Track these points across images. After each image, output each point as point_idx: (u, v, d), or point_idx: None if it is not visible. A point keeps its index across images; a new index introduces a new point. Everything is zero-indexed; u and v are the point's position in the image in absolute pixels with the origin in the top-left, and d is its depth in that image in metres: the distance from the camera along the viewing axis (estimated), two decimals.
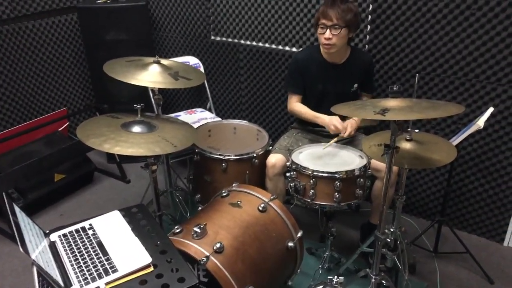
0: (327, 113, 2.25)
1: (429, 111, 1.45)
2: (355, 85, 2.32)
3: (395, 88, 1.55)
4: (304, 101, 2.41)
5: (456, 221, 2.64)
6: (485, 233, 2.58)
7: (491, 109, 2.04)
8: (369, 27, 2.48)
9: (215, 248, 1.63)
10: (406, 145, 1.80)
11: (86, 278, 1.29)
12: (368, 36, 2.51)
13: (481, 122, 1.96)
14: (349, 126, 2.24)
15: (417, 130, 1.93)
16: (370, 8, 2.44)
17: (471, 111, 2.36)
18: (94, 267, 1.33)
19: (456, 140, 2.01)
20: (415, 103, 1.53)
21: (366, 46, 2.53)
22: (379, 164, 2.09)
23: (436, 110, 1.48)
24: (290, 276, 2.02)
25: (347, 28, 2.14)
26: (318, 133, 2.45)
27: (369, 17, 2.46)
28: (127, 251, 1.39)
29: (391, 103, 1.53)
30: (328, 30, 2.13)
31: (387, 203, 1.72)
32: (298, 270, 2.04)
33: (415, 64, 2.42)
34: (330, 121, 2.24)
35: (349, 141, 2.34)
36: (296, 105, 2.41)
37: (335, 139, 2.25)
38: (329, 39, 2.14)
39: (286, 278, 2.01)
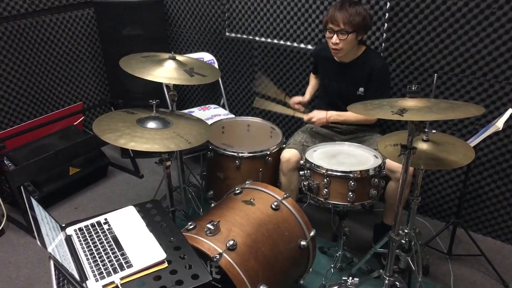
0: (329, 109, 2.30)
1: (448, 112, 1.43)
2: (361, 89, 2.26)
3: (413, 87, 1.52)
4: (320, 94, 2.53)
5: (471, 223, 2.60)
6: (500, 236, 2.54)
7: (510, 110, 2.00)
8: (386, 25, 2.45)
9: (228, 245, 1.63)
10: (422, 146, 1.78)
11: (102, 273, 1.30)
12: (385, 34, 2.48)
13: (500, 123, 1.92)
14: (315, 115, 2.30)
15: (434, 131, 1.90)
16: (387, 6, 2.41)
17: (489, 112, 2.32)
18: (109, 261, 1.34)
19: (474, 141, 1.97)
20: (434, 104, 1.51)
21: (383, 44, 2.50)
22: (394, 165, 2.07)
23: (455, 111, 1.45)
24: (302, 275, 2.02)
25: (354, 32, 2.10)
26: (332, 129, 2.43)
27: (387, 15, 2.43)
28: (142, 246, 1.40)
29: (409, 103, 1.50)
30: (335, 35, 2.11)
31: (402, 204, 1.70)
32: (310, 269, 2.04)
33: (432, 63, 2.39)
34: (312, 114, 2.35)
35: (364, 140, 2.32)
36: (311, 78, 2.64)
37: (298, 114, 2.41)
38: (336, 44, 2.12)
39: (298, 277, 2.00)
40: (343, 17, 2.06)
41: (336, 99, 2.34)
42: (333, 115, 2.28)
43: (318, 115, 2.29)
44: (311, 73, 2.64)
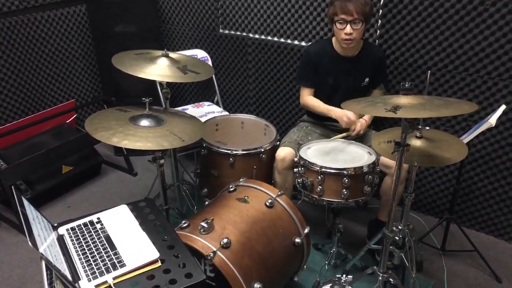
0: (337, 107, 2.23)
1: (442, 109, 1.43)
2: (366, 79, 2.30)
3: (406, 85, 1.52)
4: (315, 95, 2.39)
5: (465, 219, 2.62)
6: (493, 231, 2.55)
7: (503, 107, 2.01)
8: (379, 21, 2.45)
9: (222, 243, 1.63)
10: (416, 143, 1.78)
11: (94, 273, 1.29)
12: (378, 31, 2.48)
13: (493, 120, 1.93)
14: (358, 125, 2.22)
15: (427, 128, 1.90)
16: (381, 2, 2.41)
17: (482, 108, 2.33)
18: (102, 261, 1.33)
19: (467, 138, 1.98)
20: (427, 101, 1.51)
21: (377, 41, 2.50)
22: (388, 160, 2.07)
23: (448, 108, 1.46)
24: (296, 272, 2.02)
25: (365, 22, 2.12)
26: (327, 127, 2.43)
27: (380, 11, 2.43)
28: (135, 245, 1.40)
29: (403, 100, 1.50)
30: (348, 26, 2.09)
31: (396, 201, 1.70)
32: (305, 266, 2.04)
33: (426, 59, 2.39)
34: (343, 113, 2.21)
35: (358, 137, 2.32)
36: (308, 99, 2.38)
37: (343, 135, 2.24)
38: (350, 34, 2.10)
39: (292, 274, 2.01)
40: (356, 6, 2.06)
41: (344, 95, 2.26)
42: (366, 116, 2.28)
43: (361, 124, 2.23)
44: (308, 89, 2.37)
